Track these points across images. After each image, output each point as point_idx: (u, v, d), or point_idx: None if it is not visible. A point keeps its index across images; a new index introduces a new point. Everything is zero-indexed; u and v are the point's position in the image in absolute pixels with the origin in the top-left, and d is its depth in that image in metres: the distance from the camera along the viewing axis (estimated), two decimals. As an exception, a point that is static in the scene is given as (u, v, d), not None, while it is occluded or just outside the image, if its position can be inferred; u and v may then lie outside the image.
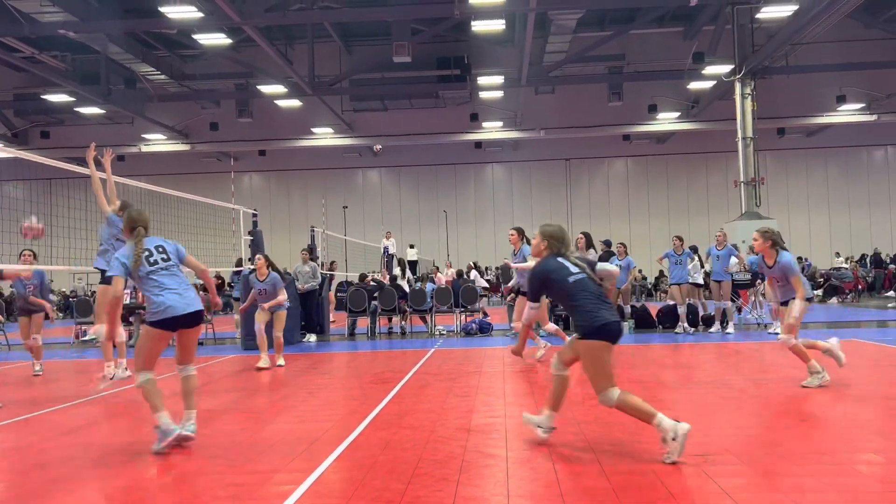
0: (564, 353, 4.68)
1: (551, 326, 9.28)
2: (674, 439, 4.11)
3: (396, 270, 16.35)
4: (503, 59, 24.96)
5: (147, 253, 4.91)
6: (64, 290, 28.19)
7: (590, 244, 11.00)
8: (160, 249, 5.00)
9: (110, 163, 8.07)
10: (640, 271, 27.88)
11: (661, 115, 27.45)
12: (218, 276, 25.58)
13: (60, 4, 17.49)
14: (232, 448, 4.88)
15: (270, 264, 9.64)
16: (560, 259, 4.64)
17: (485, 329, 13.25)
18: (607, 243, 13.75)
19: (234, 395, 7.39)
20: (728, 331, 12.13)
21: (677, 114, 27.46)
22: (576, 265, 4.60)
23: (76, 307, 15.57)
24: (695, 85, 24.68)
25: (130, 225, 5.02)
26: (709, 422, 5.21)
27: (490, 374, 8.09)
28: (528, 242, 9.18)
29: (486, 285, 16.42)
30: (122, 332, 8.57)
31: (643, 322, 13.23)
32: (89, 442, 5.37)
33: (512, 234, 9.58)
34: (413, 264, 23.67)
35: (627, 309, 13.14)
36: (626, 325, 12.77)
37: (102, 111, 25.57)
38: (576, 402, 6.04)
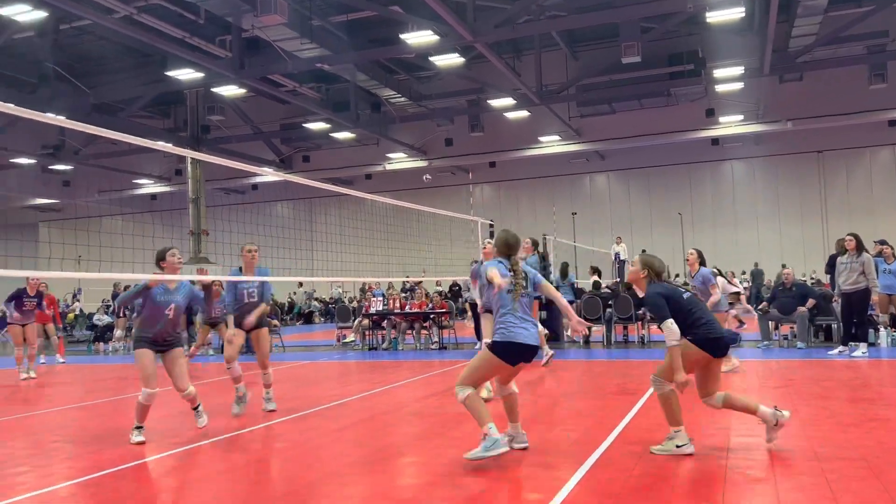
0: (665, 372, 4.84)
1: None
2: (776, 425, 4.72)
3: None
4: (741, 49, 23.25)
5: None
6: (324, 297, 31.59)
7: (703, 262, 8.93)
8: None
9: None
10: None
11: (937, 95, 23.80)
12: (455, 284, 26.89)
13: (316, 41, 19.55)
14: (485, 453, 5.07)
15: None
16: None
17: (732, 340, 12.37)
18: (882, 242, 11.93)
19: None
20: None
21: (959, 91, 23.62)
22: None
23: (337, 313, 17.23)
24: (983, 56, 21.07)
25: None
26: None
27: (744, 389, 7.56)
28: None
29: (739, 290, 15.20)
30: None
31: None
32: (359, 440, 5.90)
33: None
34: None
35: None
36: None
37: (352, 135, 28.08)
38: (853, 424, 5.45)
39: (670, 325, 4.71)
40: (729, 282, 14.19)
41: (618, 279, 19.06)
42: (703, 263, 8.60)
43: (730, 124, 26.56)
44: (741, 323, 13.48)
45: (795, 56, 21.56)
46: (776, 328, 12.38)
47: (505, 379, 5.08)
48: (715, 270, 9.83)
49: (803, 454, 4.64)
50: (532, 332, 4.79)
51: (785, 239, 28.42)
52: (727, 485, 4.04)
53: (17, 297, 11.82)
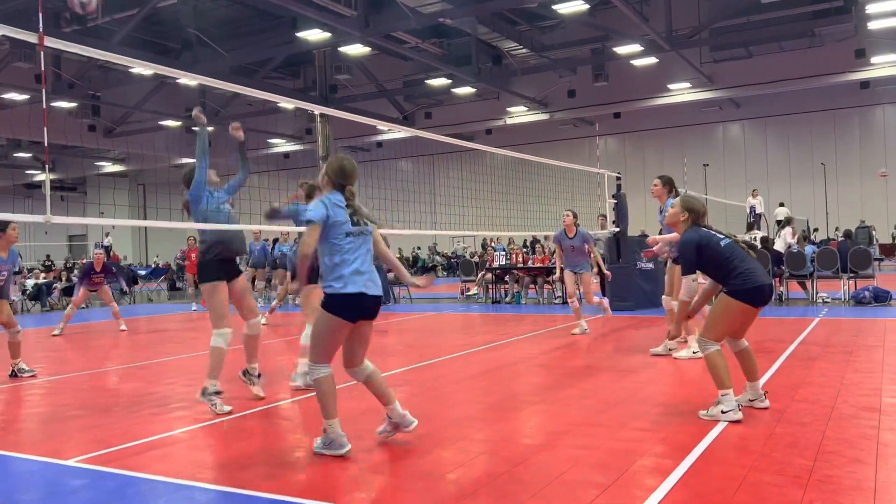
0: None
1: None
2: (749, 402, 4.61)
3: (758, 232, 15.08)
4: (900, -20, 21.04)
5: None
6: (446, 251, 32.12)
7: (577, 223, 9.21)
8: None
9: None
10: None
11: None
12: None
13: (439, -6, 19.56)
14: (616, 405, 5.07)
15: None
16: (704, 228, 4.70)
17: (881, 297, 11.57)
18: None
19: (601, 354, 7.62)
20: None
21: None
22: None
23: (461, 267, 17.53)
24: None
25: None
26: None
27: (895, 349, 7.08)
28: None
29: None
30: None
31: None
32: (489, 387, 6.05)
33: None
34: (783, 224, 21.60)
35: None
36: None
37: (473, 90, 27.98)
38: None
39: (690, 280, 4.67)
40: None
41: (755, 235, 18.12)
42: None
43: (884, 65, 24.23)
44: None
45: (966, -16, 19.25)
46: (934, 286, 11.43)
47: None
48: None
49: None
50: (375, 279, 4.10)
51: (945, 190, 25.92)
52: (880, 445, 3.84)
53: (87, 274, 12.08)
